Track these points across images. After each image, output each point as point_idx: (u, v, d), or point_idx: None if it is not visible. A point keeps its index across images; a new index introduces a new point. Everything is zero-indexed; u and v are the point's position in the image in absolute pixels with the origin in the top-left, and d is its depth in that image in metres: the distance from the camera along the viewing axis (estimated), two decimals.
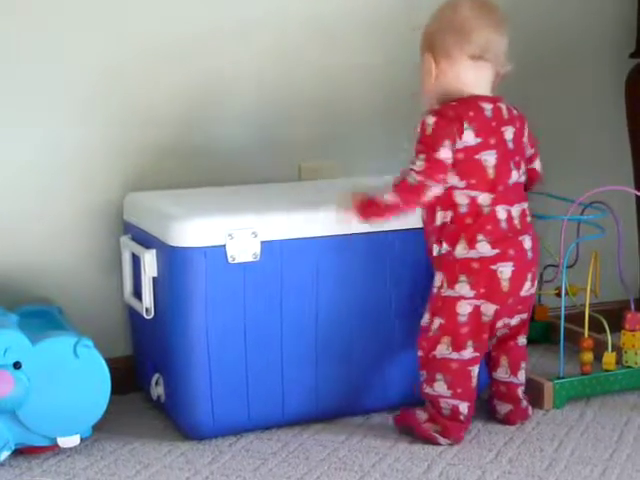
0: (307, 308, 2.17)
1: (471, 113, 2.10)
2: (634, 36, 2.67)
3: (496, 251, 2.11)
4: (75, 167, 2.36)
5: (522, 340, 2.25)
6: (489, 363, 2.27)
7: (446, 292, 2.14)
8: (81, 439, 2.10)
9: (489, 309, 2.12)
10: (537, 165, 2.26)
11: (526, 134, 2.19)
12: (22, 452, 2.10)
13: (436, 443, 2.15)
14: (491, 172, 2.11)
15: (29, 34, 2.28)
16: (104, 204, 2.39)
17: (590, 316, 2.40)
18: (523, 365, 2.26)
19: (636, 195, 2.55)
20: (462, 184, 2.11)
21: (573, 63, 2.79)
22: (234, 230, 2.08)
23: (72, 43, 2.32)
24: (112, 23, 2.35)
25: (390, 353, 2.27)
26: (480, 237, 2.11)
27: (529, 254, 2.14)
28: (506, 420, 2.26)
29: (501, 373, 2.26)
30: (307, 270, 2.16)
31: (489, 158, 2.11)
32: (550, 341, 2.68)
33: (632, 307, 2.41)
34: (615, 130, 2.78)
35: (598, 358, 2.41)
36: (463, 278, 2.12)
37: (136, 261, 2.25)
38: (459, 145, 2.10)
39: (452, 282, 2.13)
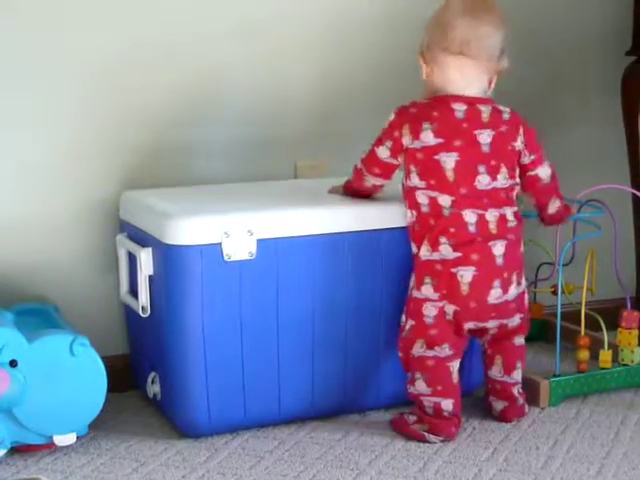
0: (303, 306, 2.17)
1: (435, 113, 2.11)
2: (630, 34, 2.66)
3: (457, 254, 2.10)
4: (71, 166, 2.36)
5: (519, 340, 2.25)
6: (484, 361, 2.27)
7: (415, 294, 2.16)
8: (77, 437, 2.10)
9: (450, 309, 2.13)
10: (541, 172, 2.21)
11: (519, 140, 2.16)
12: (18, 450, 2.10)
13: (427, 441, 2.15)
14: (450, 174, 2.10)
15: (24, 34, 2.28)
16: (100, 202, 2.39)
17: (586, 314, 2.40)
18: (519, 365, 2.25)
19: (632, 193, 2.54)
20: (422, 184, 2.13)
21: (569, 61, 2.79)
22: (230, 228, 2.08)
23: (68, 42, 2.32)
24: (111, 22, 2.35)
25: (386, 351, 2.27)
26: (443, 239, 2.11)
27: (498, 260, 2.12)
28: (502, 417, 2.26)
29: (495, 372, 2.26)
30: (303, 268, 2.16)
31: (448, 160, 2.10)
32: (545, 339, 2.68)
33: (628, 305, 2.41)
34: (612, 128, 2.78)
35: (595, 356, 2.42)
36: (428, 280, 2.13)
37: (132, 259, 2.25)
38: (416, 145, 2.12)
39: (419, 284, 2.15)
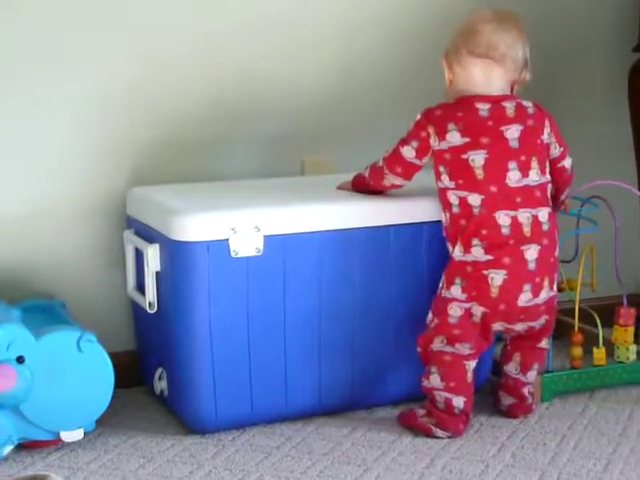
0: (310, 302, 2.17)
1: (460, 114, 2.13)
2: (637, 30, 2.66)
3: (489, 257, 2.11)
4: (78, 162, 2.36)
5: (542, 344, 2.25)
6: (503, 354, 2.28)
7: (444, 293, 2.16)
8: (84, 433, 2.10)
9: (478, 310, 2.13)
10: (567, 163, 2.25)
11: (546, 132, 2.18)
12: (25, 446, 2.10)
13: (433, 435, 2.15)
14: (479, 172, 2.11)
15: (32, 31, 2.28)
16: (107, 199, 2.39)
17: (584, 311, 2.40)
18: (535, 366, 2.26)
19: (638, 190, 2.54)
20: (452, 184, 2.13)
21: (576, 56, 2.79)
22: (237, 224, 2.08)
23: (76, 40, 2.32)
24: (116, 21, 2.35)
25: (393, 347, 2.27)
26: (475, 241, 2.11)
27: (530, 265, 2.11)
28: (508, 413, 2.26)
29: (511, 368, 2.26)
30: (310, 264, 2.16)
31: (477, 157, 2.11)
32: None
33: (625, 302, 2.41)
34: (618, 124, 2.77)
35: (591, 352, 2.41)
36: (458, 281, 2.14)
37: (139, 255, 2.25)
38: (443, 146, 2.13)
39: (449, 284, 2.15)
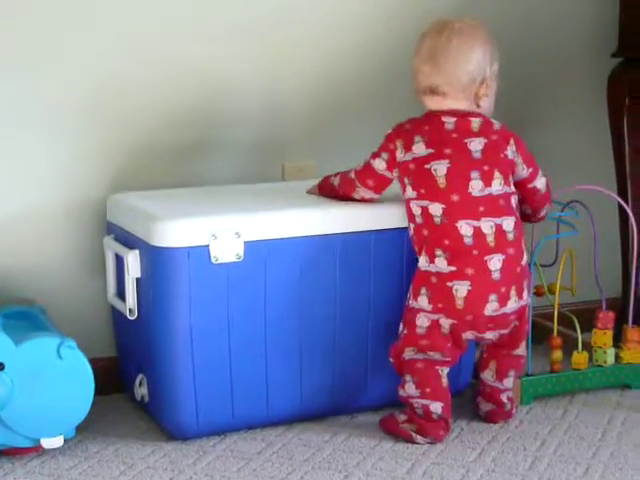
0: (291, 308, 2.18)
1: (426, 127, 2.16)
2: (616, 35, 2.67)
3: (452, 268, 2.11)
4: (58, 169, 2.36)
5: (518, 351, 2.25)
6: (479, 362, 2.28)
7: (412, 303, 2.17)
8: (65, 440, 2.09)
9: (446, 323, 2.14)
10: (539, 184, 2.25)
11: (510, 150, 2.18)
12: (5, 453, 2.09)
13: (414, 441, 2.16)
14: (442, 181, 2.12)
15: (15, 37, 2.28)
16: (87, 205, 2.38)
17: (564, 315, 2.42)
18: (511, 373, 2.26)
19: (618, 196, 2.55)
20: (414, 194, 2.15)
21: (555, 62, 2.80)
22: (217, 230, 2.08)
23: (55, 45, 2.31)
24: (108, 24, 2.34)
25: (374, 352, 2.27)
26: (438, 252, 2.12)
27: (494, 275, 2.11)
28: (487, 418, 2.27)
29: (487, 375, 2.27)
30: (291, 270, 2.16)
31: (439, 167, 2.13)
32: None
33: (604, 306, 2.42)
34: (596, 130, 2.79)
35: (570, 356, 2.42)
36: (424, 291, 2.14)
37: (119, 262, 2.24)
38: (407, 157, 2.15)
39: (416, 294, 2.16)
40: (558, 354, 2.41)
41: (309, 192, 2.34)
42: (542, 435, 2.21)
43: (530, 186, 2.24)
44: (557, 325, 2.42)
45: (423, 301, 2.14)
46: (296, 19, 2.52)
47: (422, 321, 2.15)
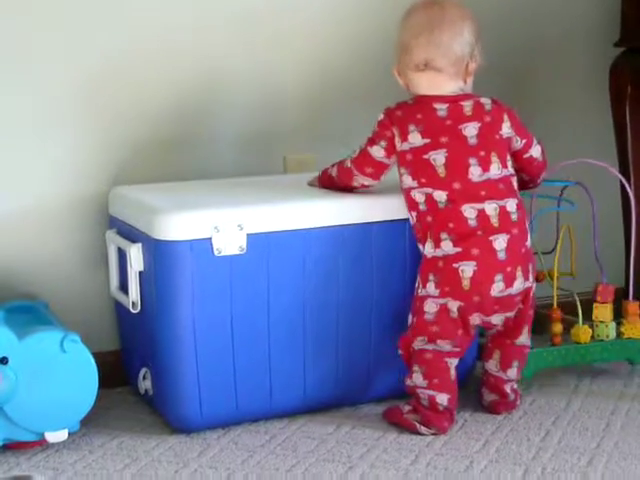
0: (294, 300, 2.18)
1: (419, 115, 2.16)
2: (619, 24, 2.67)
3: (458, 249, 2.11)
4: (60, 162, 2.36)
5: (520, 340, 2.25)
6: (483, 352, 2.28)
7: (420, 292, 2.17)
8: (69, 434, 2.09)
9: (453, 305, 2.14)
10: (534, 152, 2.26)
11: (506, 127, 2.18)
12: (10, 447, 2.09)
13: (417, 432, 2.15)
14: (441, 170, 2.13)
15: (14, 33, 2.28)
16: (89, 198, 2.38)
17: (566, 302, 2.43)
18: (516, 364, 2.26)
19: (620, 181, 2.55)
20: (415, 183, 2.15)
21: (557, 52, 2.79)
22: (220, 223, 2.08)
23: (64, 38, 2.31)
24: (107, 18, 2.35)
25: (377, 344, 2.27)
26: (444, 235, 2.12)
27: (500, 255, 2.12)
28: (491, 409, 2.27)
29: (491, 366, 2.27)
30: (293, 262, 2.16)
31: (437, 157, 2.13)
32: None
33: (603, 279, 2.41)
34: (599, 119, 2.79)
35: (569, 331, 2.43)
36: (431, 277, 2.14)
37: (122, 255, 2.24)
38: (405, 147, 2.15)
39: (424, 281, 2.16)
40: (558, 327, 2.40)
41: (310, 184, 2.33)
42: (546, 425, 2.21)
43: (526, 156, 2.24)
44: (556, 298, 2.40)
45: (430, 287, 2.14)
46: (296, 10, 2.52)
47: (430, 307, 2.14)
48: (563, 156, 2.44)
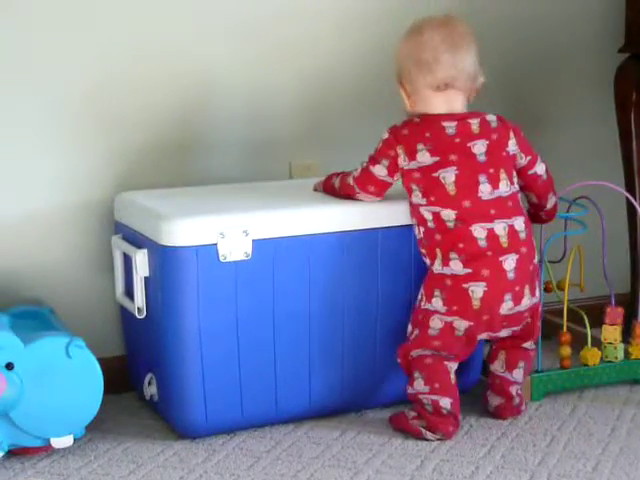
0: (299, 306, 2.18)
1: (427, 134, 2.14)
2: (622, 31, 2.67)
3: (468, 270, 2.11)
4: (65, 168, 2.36)
5: (527, 345, 2.26)
6: (489, 354, 2.28)
7: (425, 305, 2.17)
8: (74, 439, 2.10)
9: (461, 325, 2.14)
10: (539, 169, 2.25)
11: (511, 144, 2.18)
12: (15, 453, 2.10)
13: (423, 437, 2.15)
14: (451, 188, 2.12)
15: (24, 33, 2.28)
16: (95, 204, 2.39)
17: (573, 311, 2.42)
18: (521, 365, 2.26)
19: (625, 191, 2.55)
20: (424, 201, 2.15)
21: (562, 59, 2.79)
22: (225, 229, 2.09)
23: (67, 44, 2.32)
24: (111, 25, 2.35)
25: (382, 349, 2.27)
26: (453, 255, 2.12)
27: (509, 275, 2.12)
28: (496, 413, 2.27)
29: (497, 366, 2.27)
30: (299, 268, 2.16)
31: (447, 175, 2.12)
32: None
33: (612, 301, 2.42)
34: (605, 125, 2.79)
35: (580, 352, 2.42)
36: (437, 293, 2.14)
37: (128, 261, 2.25)
38: (412, 165, 2.14)
39: (429, 296, 2.16)
40: (567, 350, 2.41)
41: (315, 189, 2.33)
42: (551, 431, 2.21)
43: (531, 172, 2.23)
44: (566, 321, 2.41)
45: (437, 303, 2.14)
46: (301, 17, 2.52)
47: (436, 323, 2.15)
48: (567, 165, 2.44)
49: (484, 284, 2.11)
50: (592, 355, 2.40)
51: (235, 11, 2.46)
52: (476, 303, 2.11)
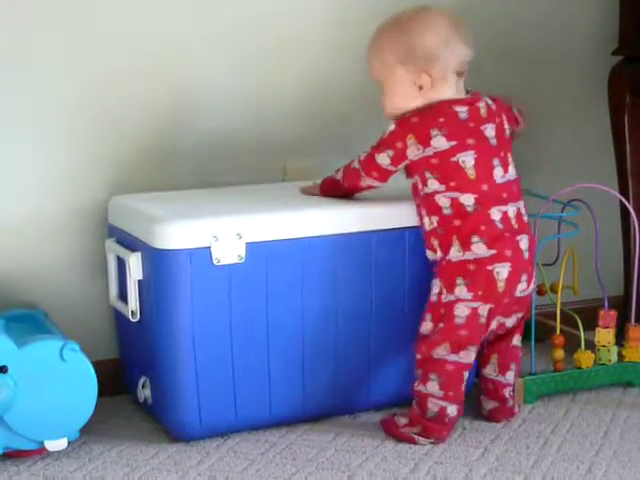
0: (293, 309, 2.18)
1: (441, 119, 2.13)
2: (616, 33, 2.67)
3: (492, 251, 2.11)
4: (58, 171, 2.36)
5: (515, 341, 2.26)
6: (480, 359, 2.28)
7: (447, 298, 2.14)
8: (68, 442, 2.10)
9: (484, 310, 2.13)
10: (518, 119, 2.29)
11: (506, 123, 2.20)
12: (9, 456, 2.10)
13: (416, 444, 2.15)
14: (471, 172, 2.12)
15: (14, 38, 2.28)
16: (88, 207, 2.39)
17: (566, 314, 2.42)
18: (513, 366, 2.26)
19: (619, 193, 2.55)
20: (442, 187, 2.13)
21: (555, 60, 2.80)
22: (219, 232, 2.09)
23: (58, 48, 2.32)
24: (101, 26, 2.35)
25: (376, 352, 2.27)
26: (475, 238, 2.11)
27: (525, 255, 2.14)
28: (491, 417, 2.27)
29: (489, 370, 2.26)
30: (292, 271, 2.16)
31: (467, 159, 2.12)
32: (529, 338, 2.68)
33: (606, 304, 2.42)
34: (596, 127, 2.79)
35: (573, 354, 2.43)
36: (460, 281, 2.13)
37: (121, 264, 2.25)
38: (428, 152, 2.12)
39: (451, 286, 2.14)
40: (560, 353, 2.41)
41: (305, 192, 2.32)
42: (545, 434, 2.21)
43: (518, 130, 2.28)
44: (559, 324, 2.42)
45: (461, 291, 2.12)
46: (296, 17, 2.52)
47: (462, 310, 2.13)
48: (561, 166, 2.44)
49: (508, 264, 2.11)
50: (585, 358, 2.40)
51: (232, 13, 2.45)
52: (501, 285, 2.11)
